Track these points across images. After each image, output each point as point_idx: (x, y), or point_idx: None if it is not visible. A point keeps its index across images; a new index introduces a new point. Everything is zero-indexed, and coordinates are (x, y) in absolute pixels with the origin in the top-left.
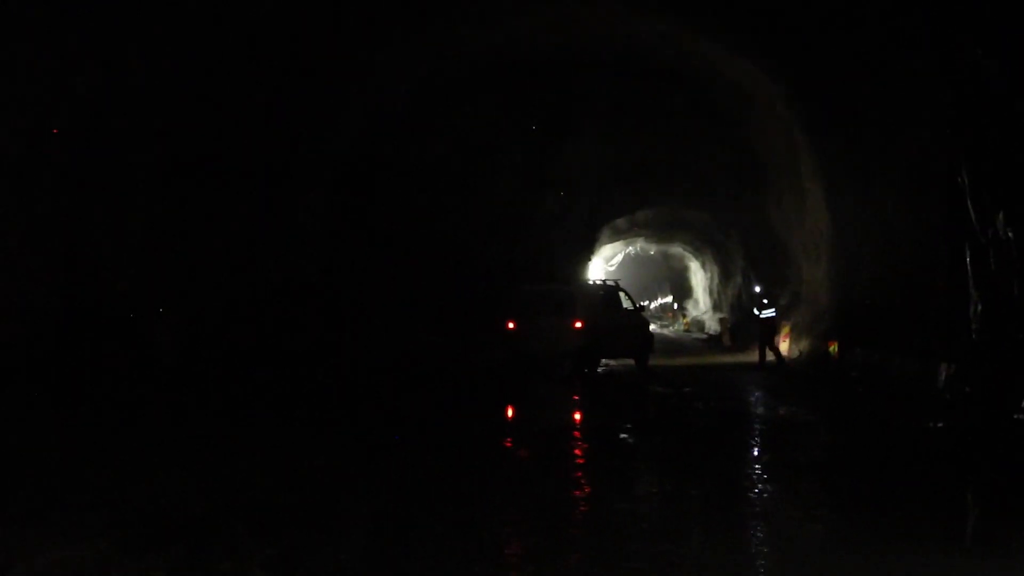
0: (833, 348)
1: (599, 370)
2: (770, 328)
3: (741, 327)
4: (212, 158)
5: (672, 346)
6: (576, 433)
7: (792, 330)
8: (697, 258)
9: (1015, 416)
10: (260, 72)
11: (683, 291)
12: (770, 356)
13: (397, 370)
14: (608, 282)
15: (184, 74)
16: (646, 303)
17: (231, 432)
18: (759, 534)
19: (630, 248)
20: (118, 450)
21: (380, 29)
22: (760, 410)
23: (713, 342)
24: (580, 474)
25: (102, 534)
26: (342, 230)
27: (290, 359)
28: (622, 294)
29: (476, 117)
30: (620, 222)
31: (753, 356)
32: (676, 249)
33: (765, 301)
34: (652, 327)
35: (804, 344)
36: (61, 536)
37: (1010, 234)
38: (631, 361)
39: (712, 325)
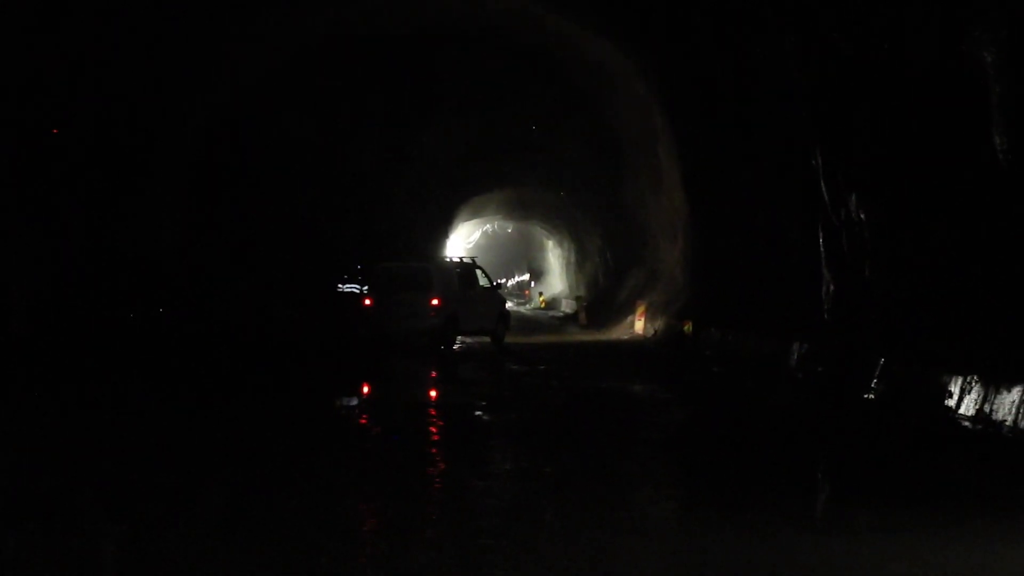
0: (688, 327)
1: (456, 347)
2: None
3: (597, 306)
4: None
5: (529, 324)
6: (432, 410)
7: (648, 309)
8: (554, 236)
9: (864, 396)
10: (109, 52)
11: (540, 270)
12: None
13: (255, 347)
14: (465, 259)
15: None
16: (503, 281)
17: (81, 405)
18: (614, 512)
19: (488, 226)
20: None
21: (237, 3)
22: (615, 388)
23: (569, 320)
24: (435, 451)
25: None
26: (200, 208)
27: (148, 336)
28: (479, 272)
29: (337, 93)
30: (478, 200)
31: (610, 335)
32: (533, 228)
33: None
34: (509, 305)
35: (660, 323)
36: None
37: (862, 216)
38: (488, 338)
39: (568, 303)
